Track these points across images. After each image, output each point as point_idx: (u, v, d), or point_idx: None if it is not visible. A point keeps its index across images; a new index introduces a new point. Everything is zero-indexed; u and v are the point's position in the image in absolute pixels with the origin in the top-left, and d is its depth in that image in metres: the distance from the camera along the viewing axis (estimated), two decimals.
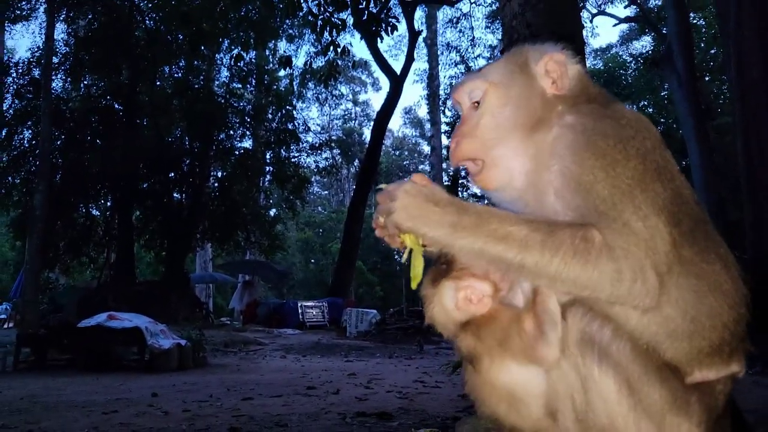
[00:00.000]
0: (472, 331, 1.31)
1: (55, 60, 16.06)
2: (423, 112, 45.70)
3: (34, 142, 16.59)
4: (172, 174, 18.67)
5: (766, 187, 9.87)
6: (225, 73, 20.24)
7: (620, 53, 29.84)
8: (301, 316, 18.41)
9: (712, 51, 22.33)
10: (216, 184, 19.81)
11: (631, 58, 27.05)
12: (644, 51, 25.93)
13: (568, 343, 1.20)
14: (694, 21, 21.26)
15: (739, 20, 11.15)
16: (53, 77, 15.82)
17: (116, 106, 18.62)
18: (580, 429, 1.21)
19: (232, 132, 19.40)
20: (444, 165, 30.83)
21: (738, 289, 1.27)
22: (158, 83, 18.76)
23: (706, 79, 22.07)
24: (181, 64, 19.11)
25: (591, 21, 25.10)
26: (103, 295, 15.14)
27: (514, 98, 1.38)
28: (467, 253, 1.23)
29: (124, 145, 15.25)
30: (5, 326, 18.24)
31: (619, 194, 1.19)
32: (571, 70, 1.40)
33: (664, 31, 19.48)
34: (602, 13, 25.51)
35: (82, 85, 18.52)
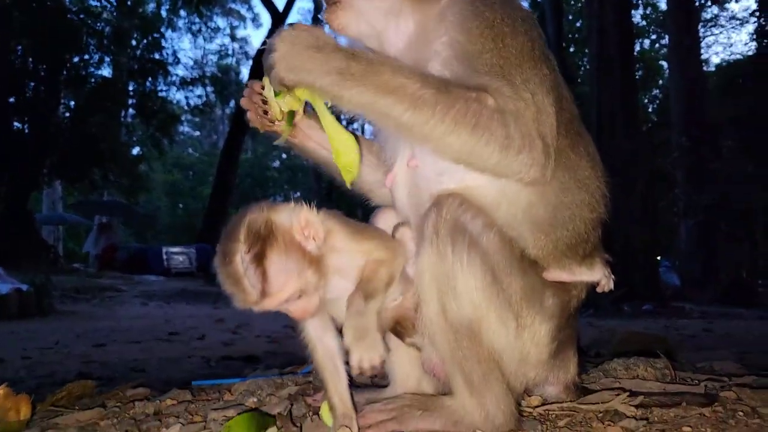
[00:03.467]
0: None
1: None
2: None
3: None
4: (12, 98, 16.39)
5: (611, 155, 11.06)
6: None
7: None
8: (165, 262, 17.59)
9: (578, 24, 24.03)
10: (68, 114, 17.81)
11: None
12: None
13: (439, 232, 1.17)
14: None
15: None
16: None
17: None
18: (443, 319, 1.20)
19: (87, 56, 17.45)
20: None
21: (600, 189, 1.31)
22: None
23: (571, 50, 23.78)
24: None
25: None
26: None
27: None
28: (355, 105, 1.14)
29: None
30: None
31: (508, 65, 1.17)
32: None
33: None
34: None
35: None
